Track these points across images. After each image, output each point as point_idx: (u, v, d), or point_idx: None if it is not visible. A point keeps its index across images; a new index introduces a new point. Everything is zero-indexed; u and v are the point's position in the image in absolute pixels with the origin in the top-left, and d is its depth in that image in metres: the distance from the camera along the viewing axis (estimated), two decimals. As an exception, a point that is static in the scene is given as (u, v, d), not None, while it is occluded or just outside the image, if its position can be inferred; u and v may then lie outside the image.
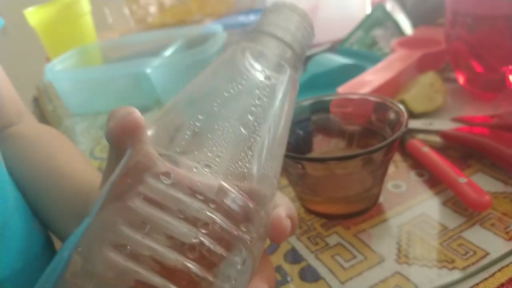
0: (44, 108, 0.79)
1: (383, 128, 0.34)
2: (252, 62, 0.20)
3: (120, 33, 0.94)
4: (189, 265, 0.15)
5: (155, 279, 0.14)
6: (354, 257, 0.29)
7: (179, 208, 0.15)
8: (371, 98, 0.35)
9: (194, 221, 0.15)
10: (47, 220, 0.35)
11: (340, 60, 0.56)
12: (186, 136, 0.17)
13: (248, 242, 0.17)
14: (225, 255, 0.16)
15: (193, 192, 0.16)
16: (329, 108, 0.37)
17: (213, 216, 0.16)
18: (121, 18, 0.94)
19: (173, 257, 0.15)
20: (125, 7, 0.93)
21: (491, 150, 0.34)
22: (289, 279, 0.29)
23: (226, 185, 0.16)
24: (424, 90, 0.44)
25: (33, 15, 0.75)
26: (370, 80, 0.45)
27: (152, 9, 0.95)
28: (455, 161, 0.36)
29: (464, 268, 0.27)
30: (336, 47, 0.63)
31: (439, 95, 0.44)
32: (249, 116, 0.18)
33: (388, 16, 0.61)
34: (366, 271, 0.28)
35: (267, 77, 0.19)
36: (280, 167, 0.20)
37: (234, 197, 0.16)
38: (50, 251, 0.35)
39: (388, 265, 0.28)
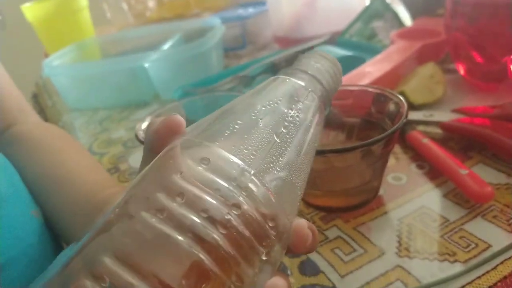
0: (43, 103, 0.79)
1: (382, 120, 0.33)
2: (286, 87, 0.22)
3: (119, 28, 0.94)
4: (218, 239, 0.15)
5: (183, 242, 0.15)
6: (354, 250, 0.29)
7: (214, 188, 0.16)
8: (371, 90, 0.34)
9: (227, 202, 0.16)
10: (51, 219, 0.35)
11: (339, 52, 0.55)
12: (226, 134, 0.19)
13: (273, 238, 0.17)
14: (252, 239, 0.16)
15: (228, 178, 0.17)
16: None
17: (243, 201, 0.17)
18: (120, 13, 0.94)
19: (203, 229, 0.15)
20: (123, 1, 0.92)
21: (492, 141, 0.34)
22: (289, 272, 0.28)
23: (256, 179, 0.17)
24: (424, 81, 0.43)
25: (31, 10, 0.75)
26: (370, 71, 0.44)
27: (151, 3, 0.94)
28: (456, 153, 0.36)
29: (466, 261, 0.26)
30: (335, 39, 0.62)
31: (439, 86, 0.43)
32: (282, 129, 0.20)
33: (387, 8, 0.61)
34: (366, 264, 0.28)
35: (299, 101, 0.22)
36: (305, 185, 0.21)
37: (264, 192, 0.17)
38: (47, 239, 0.35)
39: (389, 258, 0.28)
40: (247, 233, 0.16)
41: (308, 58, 0.24)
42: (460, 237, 0.28)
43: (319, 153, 0.28)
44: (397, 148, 0.39)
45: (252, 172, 0.17)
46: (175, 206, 0.15)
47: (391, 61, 0.45)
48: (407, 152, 0.38)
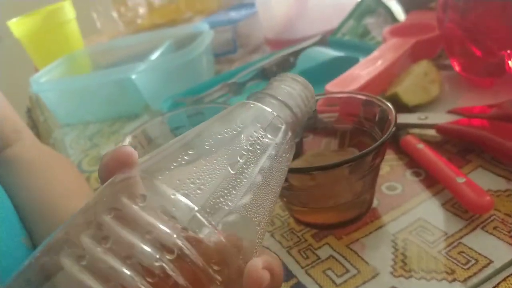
0: (36, 119, 0.78)
1: (372, 128, 0.31)
2: (251, 113, 0.21)
3: (110, 37, 0.92)
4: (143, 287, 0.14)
5: None
6: (347, 271, 0.27)
7: (147, 230, 0.15)
8: (358, 96, 0.32)
9: (160, 245, 0.15)
10: (38, 246, 0.34)
11: (330, 53, 0.53)
12: (172, 167, 0.17)
13: (218, 283, 0.16)
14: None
15: (165, 217, 0.15)
16: (315, 107, 0.35)
17: (181, 244, 0.15)
18: (110, 21, 0.92)
19: (128, 276, 0.14)
20: (113, 10, 0.91)
21: (490, 144, 0.32)
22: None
23: (201, 217, 0.16)
24: (418, 80, 0.41)
25: (17, 26, 0.74)
26: (360, 74, 0.42)
27: (141, 10, 0.93)
28: (453, 157, 0.34)
29: (465, 280, 0.24)
30: (326, 39, 0.60)
31: (435, 85, 0.41)
32: (238, 159, 0.18)
33: (379, 3, 0.59)
34: (360, 286, 0.26)
35: (263, 129, 0.20)
36: (267, 218, 0.19)
37: (209, 232, 0.16)
38: None
39: (383, 279, 0.26)
40: (181, 280, 0.14)
41: (278, 81, 0.23)
42: (459, 253, 0.26)
43: (303, 171, 0.27)
44: (391, 155, 0.37)
45: (196, 209, 0.16)
46: (99, 251, 0.14)
47: (383, 61, 0.43)
48: (402, 159, 0.36)
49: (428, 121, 0.37)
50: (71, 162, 0.51)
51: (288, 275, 0.28)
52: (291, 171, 0.26)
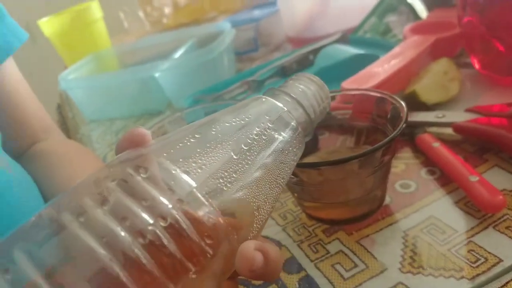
0: (65, 115, 0.81)
1: (385, 125, 0.31)
2: (262, 107, 0.22)
3: (136, 36, 0.95)
4: (136, 250, 0.15)
5: (99, 250, 0.14)
6: (355, 265, 0.28)
7: (144, 197, 0.16)
8: (371, 93, 0.32)
9: (155, 212, 0.16)
10: None
11: (350, 50, 0.53)
12: (178, 147, 0.19)
13: (208, 256, 0.16)
14: (178, 256, 0.16)
15: (163, 189, 0.16)
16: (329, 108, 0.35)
17: (175, 214, 0.16)
18: (137, 21, 0.95)
19: (121, 235, 0.15)
20: (140, 9, 0.93)
21: (507, 143, 0.31)
22: (286, 290, 0.27)
23: (198, 193, 0.17)
24: (437, 78, 0.41)
25: (47, 25, 0.77)
26: (378, 71, 0.42)
27: (167, 10, 0.95)
28: (470, 156, 0.34)
29: (473, 278, 0.24)
30: (347, 36, 0.60)
31: (454, 83, 0.41)
32: (243, 146, 0.19)
33: (402, 1, 0.58)
34: (367, 281, 0.26)
35: (271, 122, 0.21)
36: (268, 207, 0.20)
37: (204, 208, 0.17)
38: None
39: (391, 274, 0.26)
40: (172, 247, 0.15)
41: (294, 80, 0.24)
42: (469, 251, 0.26)
43: (312, 166, 0.27)
44: (407, 153, 0.37)
45: (194, 185, 0.17)
46: (98, 212, 0.15)
47: (401, 58, 0.43)
48: (418, 157, 0.36)
49: (446, 120, 0.36)
50: (97, 155, 0.54)
51: (298, 268, 0.29)
52: (300, 165, 0.27)
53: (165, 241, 0.15)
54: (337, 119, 0.37)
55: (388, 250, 0.28)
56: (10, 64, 0.42)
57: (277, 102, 0.22)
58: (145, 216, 0.15)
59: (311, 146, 0.37)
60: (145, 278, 0.14)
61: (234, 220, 0.18)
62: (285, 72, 0.55)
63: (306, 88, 0.24)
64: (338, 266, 0.28)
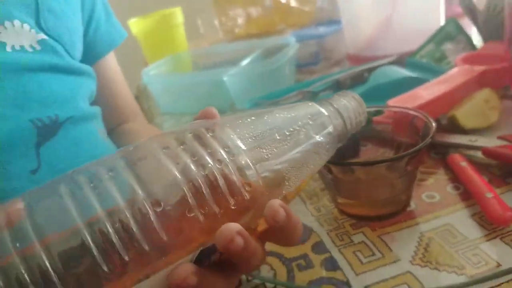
0: (141, 106, 0.92)
1: (418, 141, 0.36)
2: (308, 109, 0.28)
3: (210, 42, 1.05)
4: (197, 176, 0.21)
5: (174, 171, 0.21)
6: (373, 254, 0.33)
7: (208, 147, 0.23)
8: (408, 112, 0.37)
9: (213, 157, 0.22)
10: None
11: (403, 72, 0.57)
12: (238, 122, 0.25)
13: (246, 198, 0.23)
14: (223, 189, 0.22)
15: (222, 144, 0.23)
16: (371, 119, 0.40)
17: (227, 162, 0.22)
18: (212, 28, 1.05)
19: (189, 166, 0.22)
20: (216, 19, 1.03)
21: (529, 169, 0.34)
22: (311, 266, 0.33)
23: (245, 155, 0.23)
24: (478, 106, 0.44)
25: (135, 25, 0.88)
26: (423, 94, 0.46)
27: (240, 20, 1.03)
28: (495, 178, 0.37)
29: (472, 276, 0.28)
30: (403, 59, 0.64)
31: (494, 112, 0.44)
32: (285, 131, 0.26)
33: (460, 30, 0.61)
34: (381, 267, 0.31)
35: (312, 121, 0.27)
36: (297, 182, 0.26)
37: (247, 164, 0.23)
38: None
39: (402, 264, 0.31)
40: (221, 181, 0.22)
41: (339, 95, 0.30)
42: (473, 254, 0.30)
43: (345, 164, 0.33)
44: (438, 169, 0.41)
45: (244, 148, 0.23)
46: (178, 149, 0.22)
47: (447, 85, 0.47)
48: (447, 174, 0.40)
49: (477, 144, 0.40)
50: None
51: (324, 250, 0.34)
52: (336, 163, 0.32)
53: (218, 177, 0.22)
54: (380, 133, 0.41)
55: (404, 246, 0.33)
56: (111, 57, 0.52)
57: (321, 108, 0.28)
58: (207, 158, 0.22)
59: (352, 155, 0.42)
60: (200, 198, 0.21)
61: (269, 181, 0.24)
62: (339, 86, 0.60)
63: (348, 103, 0.30)
64: (358, 253, 0.33)
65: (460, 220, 0.34)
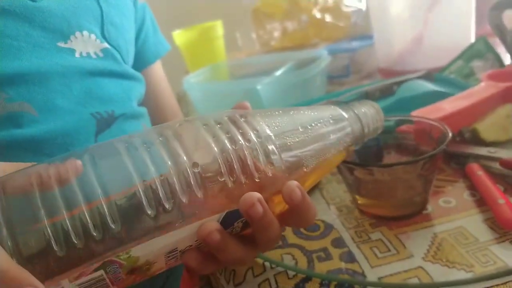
0: (181, 111, 0.98)
1: (435, 149, 0.39)
2: (330, 110, 0.32)
3: (247, 54, 1.10)
4: (230, 149, 0.26)
5: (211, 143, 0.26)
6: (389, 250, 0.35)
7: (240, 129, 0.27)
8: (429, 122, 0.40)
9: (244, 136, 0.26)
10: None
11: (430, 86, 0.60)
12: (268, 113, 0.29)
13: (269, 174, 0.26)
14: (250, 164, 0.26)
15: (252, 128, 0.27)
16: (395, 128, 0.43)
17: (255, 142, 0.27)
18: (249, 41, 1.10)
19: (223, 140, 0.26)
20: (253, 32, 1.08)
21: (543, 180, 0.36)
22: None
23: (271, 139, 0.27)
24: (499, 120, 0.46)
25: (179, 36, 0.95)
26: (446, 107, 0.49)
27: (276, 33, 1.08)
28: (510, 188, 0.39)
29: (479, 273, 0.31)
30: (432, 74, 0.66)
31: (515, 126, 0.46)
32: (307, 125, 0.30)
33: (490, 48, 0.63)
34: (395, 262, 0.34)
35: (333, 121, 0.31)
36: (314, 169, 0.29)
37: (273, 148, 0.27)
38: None
39: (415, 260, 0.34)
40: (249, 157, 0.26)
41: (360, 103, 0.34)
42: (483, 255, 0.32)
43: (364, 165, 0.36)
44: (457, 177, 0.43)
45: (270, 134, 0.27)
46: (216, 127, 0.26)
47: (470, 99, 0.49)
48: (464, 182, 0.42)
49: (496, 155, 0.42)
50: None
51: (342, 244, 0.37)
52: (356, 164, 0.36)
53: (245, 153, 0.26)
54: (402, 141, 0.44)
55: (418, 244, 0.35)
56: (158, 65, 0.58)
57: (342, 112, 0.32)
58: (238, 136, 0.26)
59: (376, 160, 0.45)
60: (230, 166, 0.25)
61: (289, 164, 0.27)
62: (367, 97, 0.63)
63: (367, 110, 0.33)
64: (374, 249, 0.36)
65: (473, 223, 0.36)
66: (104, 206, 0.22)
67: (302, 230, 0.40)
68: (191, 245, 0.27)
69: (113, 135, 0.42)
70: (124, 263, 0.23)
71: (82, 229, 0.21)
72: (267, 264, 0.37)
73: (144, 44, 0.55)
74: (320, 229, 0.40)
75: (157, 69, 0.58)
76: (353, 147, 0.32)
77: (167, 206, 0.23)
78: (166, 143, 0.25)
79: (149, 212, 0.23)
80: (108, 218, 0.22)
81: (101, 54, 0.42)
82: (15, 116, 0.36)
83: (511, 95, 0.50)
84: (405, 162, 0.33)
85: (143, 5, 0.54)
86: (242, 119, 0.28)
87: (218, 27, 0.95)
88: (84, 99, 0.39)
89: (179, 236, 0.25)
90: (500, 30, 0.60)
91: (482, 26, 0.74)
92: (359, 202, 0.41)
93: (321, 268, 0.35)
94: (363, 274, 0.33)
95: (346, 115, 0.32)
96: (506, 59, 0.61)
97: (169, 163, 0.24)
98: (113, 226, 0.22)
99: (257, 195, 0.25)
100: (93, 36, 0.41)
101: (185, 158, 0.25)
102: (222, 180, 0.25)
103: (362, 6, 1.00)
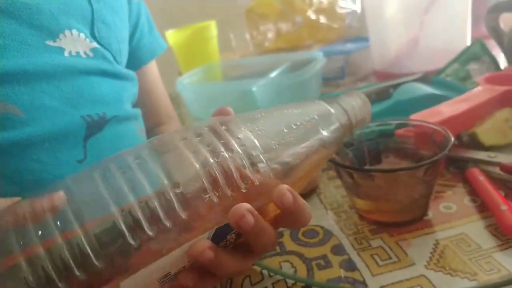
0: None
1: (437, 154, 0.38)
2: (315, 106, 0.30)
3: (241, 55, 1.09)
4: (212, 161, 0.24)
5: (191, 159, 0.24)
6: (390, 258, 0.35)
7: (222, 138, 0.26)
8: (429, 126, 0.39)
9: (226, 147, 0.25)
10: None
11: (427, 89, 0.59)
12: (250, 117, 0.28)
13: (256, 183, 0.25)
14: (235, 175, 0.24)
15: (233, 135, 0.26)
16: (394, 131, 0.43)
17: (238, 150, 0.25)
18: (243, 42, 1.09)
19: (204, 153, 0.25)
20: (247, 32, 1.07)
21: (545, 185, 0.36)
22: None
23: (256, 148, 0.26)
24: (498, 124, 0.46)
25: (172, 36, 0.93)
26: (445, 110, 0.48)
27: (270, 35, 1.07)
28: (511, 193, 0.38)
29: (483, 282, 0.30)
30: (428, 77, 0.66)
31: (514, 130, 0.45)
32: (292, 125, 0.28)
33: (486, 51, 0.63)
34: (397, 270, 0.33)
35: (318, 116, 0.30)
36: (302, 171, 0.28)
37: (258, 153, 0.26)
38: None
39: (417, 268, 0.33)
40: (233, 167, 0.24)
41: (347, 94, 0.32)
42: (486, 262, 0.32)
43: (364, 170, 0.35)
44: (457, 182, 0.43)
45: (254, 139, 0.26)
46: (195, 140, 0.25)
47: (468, 102, 0.49)
48: (465, 187, 0.42)
49: (496, 159, 0.41)
50: None
51: (342, 252, 0.36)
52: (356, 169, 0.35)
53: (229, 164, 0.24)
54: (402, 145, 0.43)
55: (419, 251, 0.34)
56: (153, 65, 0.56)
57: (328, 106, 0.31)
58: (220, 147, 0.25)
59: (375, 164, 0.44)
60: (214, 181, 0.24)
61: (277, 168, 0.26)
62: (364, 101, 0.62)
63: (354, 101, 0.32)
64: (375, 256, 0.35)
65: (475, 230, 0.35)
66: (83, 240, 0.21)
67: (300, 236, 0.39)
68: (184, 266, 0.25)
69: (105, 139, 0.40)
70: None
71: (63, 267, 0.20)
72: (265, 272, 0.36)
73: (139, 43, 0.53)
74: (319, 236, 0.39)
75: (152, 68, 0.57)
76: (343, 140, 0.31)
77: (150, 233, 0.22)
78: (145, 165, 0.24)
79: (131, 242, 0.21)
80: (90, 253, 0.21)
81: (90, 54, 0.41)
82: None
83: (509, 98, 0.49)
84: (408, 168, 0.33)
85: (138, 2, 0.53)
86: (223, 127, 0.26)
87: (212, 27, 0.94)
88: (74, 100, 0.38)
89: (169, 260, 0.23)
90: (496, 33, 0.60)
91: (477, 29, 0.74)
92: (358, 207, 0.40)
93: (321, 276, 0.34)
94: (364, 283, 0.32)
95: (331, 109, 0.30)
96: (503, 62, 0.61)
97: (148, 186, 0.23)
98: (96, 262, 0.21)
99: (245, 206, 0.24)
100: (82, 35, 0.40)
101: (164, 179, 0.23)
102: (207, 196, 0.24)
103: (357, 8, 0.99)
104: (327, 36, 1.01)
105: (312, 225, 0.41)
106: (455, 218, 0.37)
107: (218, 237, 0.25)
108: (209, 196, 0.24)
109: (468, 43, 0.70)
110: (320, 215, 0.42)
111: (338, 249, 0.37)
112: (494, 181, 0.39)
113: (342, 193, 0.45)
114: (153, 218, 0.22)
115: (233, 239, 0.27)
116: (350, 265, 0.35)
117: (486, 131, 0.45)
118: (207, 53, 0.93)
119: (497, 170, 0.41)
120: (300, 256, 0.37)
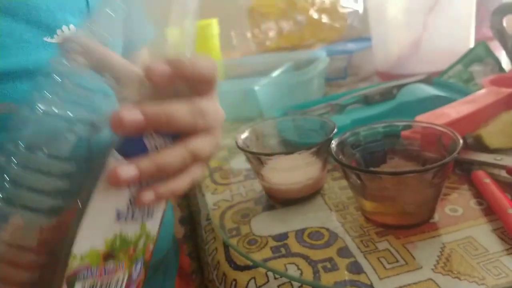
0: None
1: (444, 157, 0.38)
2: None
3: (242, 53, 1.08)
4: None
5: None
6: (397, 261, 0.34)
7: None
8: (438, 128, 0.39)
9: None
10: None
11: (431, 91, 0.59)
12: None
13: None
14: None
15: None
16: (400, 133, 0.42)
17: None
18: (244, 40, 1.08)
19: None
20: (248, 31, 1.06)
21: (552, 189, 0.36)
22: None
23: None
24: (504, 126, 0.45)
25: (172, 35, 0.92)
26: (450, 112, 0.48)
27: (271, 33, 1.07)
28: (518, 196, 0.38)
29: (492, 287, 0.30)
30: (431, 79, 0.66)
31: (520, 133, 0.45)
32: None
33: (489, 53, 0.63)
34: (404, 273, 0.33)
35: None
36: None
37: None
38: None
39: (424, 272, 0.33)
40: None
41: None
42: (494, 266, 0.32)
43: (373, 172, 0.35)
44: (462, 184, 0.42)
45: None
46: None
47: (473, 105, 0.49)
48: (471, 189, 0.41)
49: (502, 162, 0.41)
50: None
51: (349, 254, 0.36)
52: (364, 171, 0.35)
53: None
54: (407, 147, 0.43)
55: (426, 255, 0.34)
56: (144, 51, 0.57)
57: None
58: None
59: (379, 163, 0.44)
60: None
61: None
62: (367, 101, 0.62)
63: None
64: (382, 259, 0.35)
65: (481, 233, 0.35)
66: None
67: (306, 238, 0.39)
68: (130, 199, 0.26)
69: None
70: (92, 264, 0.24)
71: None
72: (270, 274, 0.35)
73: (131, 30, 0.54)
74: (325, 238, 0.39)
75: (144, 56, 0.57)
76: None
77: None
78: None
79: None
80: None
81: None
82: (1, 118, 0.34)
83: (514, 101, 0.49)
84: (418, 170, 0.32)
85: None
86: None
87: (213, 26, 0.94)
88: None
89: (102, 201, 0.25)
90: (501, 35, 0.60)
91: (481, 30, 0.74)
92: (365, 209, 0.39)
93: (328, 279, 0.34)
94: (371, 286, 0.32)
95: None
96: (507, 64, 0.61)
97: None
98: None
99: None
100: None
101: None
102: None
103: (359, 7, 0.99)
104: (329, 35, 1.01)
105: (317, 227, 0.40)
106: (461, 221, 0.37)
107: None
108: None
109: (472, 44, 0.70)
110: (325, 216, 0.42)
111: (344, 252, 0.37)
112: (500, 184, 0.39)
113: (347, 194, 0.45)
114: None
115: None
116: (356, 268, 0.34)
117: (491, 134, 0.45)
118: (208, 52, 0.92)
119: (503, 173, 0.41)
120: (306, 258, 0.37)
